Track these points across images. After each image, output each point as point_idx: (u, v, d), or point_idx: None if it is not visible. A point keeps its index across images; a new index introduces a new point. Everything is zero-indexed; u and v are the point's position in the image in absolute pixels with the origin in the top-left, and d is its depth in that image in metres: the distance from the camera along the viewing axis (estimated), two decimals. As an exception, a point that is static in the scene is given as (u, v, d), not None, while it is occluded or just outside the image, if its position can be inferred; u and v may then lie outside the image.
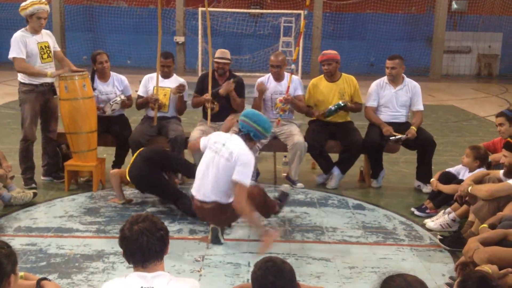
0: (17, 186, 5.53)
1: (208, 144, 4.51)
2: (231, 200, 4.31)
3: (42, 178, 6.20)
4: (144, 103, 6.32)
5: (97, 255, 4.30)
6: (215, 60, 6.22)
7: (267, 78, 6.38)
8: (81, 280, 3.88)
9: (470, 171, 5.19)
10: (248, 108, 4.78)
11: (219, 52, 6.25)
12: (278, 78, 6.28)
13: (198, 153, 6.13)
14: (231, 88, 6.11)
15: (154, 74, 6.33)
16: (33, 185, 5.90)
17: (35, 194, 5.52)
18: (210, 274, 4.02)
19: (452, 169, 5.45)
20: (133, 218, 2.57)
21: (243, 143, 4.34)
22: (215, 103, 6.19)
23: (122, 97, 6.23)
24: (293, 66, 6.40)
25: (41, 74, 5.76)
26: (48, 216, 5.14)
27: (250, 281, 3.82)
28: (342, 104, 6.11)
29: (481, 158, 5.21)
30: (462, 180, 5.00)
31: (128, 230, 2.51)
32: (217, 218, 4.51)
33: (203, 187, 4.41)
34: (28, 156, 5.93)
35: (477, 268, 3.18)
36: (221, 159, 4.30)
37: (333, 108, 6.10)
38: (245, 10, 19.03)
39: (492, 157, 5.36)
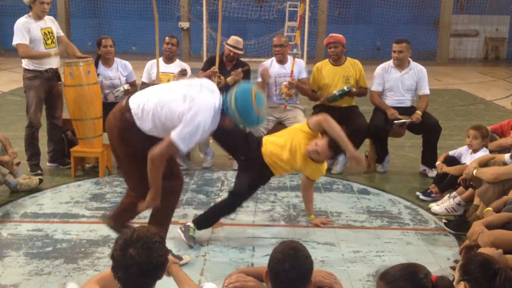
0: (23, 172, 5.56)
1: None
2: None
3: (48, 164, 6.23)
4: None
5: (103, 240, 4.33)
6: (228, 47, 6.23)
7: (270, 62, 6.37)
8: (87, 265, 3.91)
9: (476, 151, 5.16)
10: (246, 86, 3.52)
11: (234, 40, 6.26)
12: (282, 60, 6.26)
13: (204, 143, 6.20)
14: (239, 78, 6.12)
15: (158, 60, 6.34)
16: (39, 171, 5.93)
17: (41, 180, 5.55)
18: (214, 259, 4.04)
19: (453, 152, 5.43)
20: (127, 236, 2.26)
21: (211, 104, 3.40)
22: (221, 77, 6.20)
23: (126, 86, 6.22)
24: (295, 51, 6.38)
25: (45, 55, 5.77)
26: (54, 202, 5.18)
27: (254, 265, 3.85)
28: (347, 90, 6.08)
29: (487, 135, 5.21)
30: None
31: (121, 252, 2.23)
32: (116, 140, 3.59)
33: None
34: (34, 142, 5.96)
35: (479, 250, 3.19)
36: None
37: (337, 93, 6.08)
38: (250, -5, 18.92)
39: (498, 142, 5.33)
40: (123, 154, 3.62)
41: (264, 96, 3.57)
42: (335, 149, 4.18)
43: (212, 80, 6.20)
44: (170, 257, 2.51)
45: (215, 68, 6.18)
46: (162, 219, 3.79)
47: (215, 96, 3.45)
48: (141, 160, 3.40)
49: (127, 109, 3.49)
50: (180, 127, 3.30)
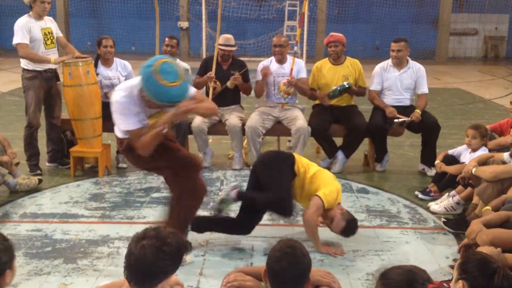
0: (22, 172, 5.56)
1: None
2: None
3: (47, 164, 6.23)
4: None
5: (102, 240, 4.33)
6: (220, 47, 6.22)
7: (269, 61, 6.36)
8: (86, 265, 3.91)
9: (475, 151, 5.16)
10: (150, 60, 3.50)
11: (224, 39, 6.24)
12: (281, 60, 6.24)
13: (202, 137, 6.20)
14: (239, 82, 6.13)
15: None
16: (38, 172, 5.93)
17: (40, 181, 5.55)
18: (214, 259, 4.05)
19: (452, 151, 5.43)
20: (149, 230, 2.35)
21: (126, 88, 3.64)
22: (217, 82, 6.20)
23: None
24: (296, 49, 6.35)
25: (45, 61, 5.76)
26: (54, 202, 5.18)
27: (253, 264, 3.86)
28: (347, 86, 6.07)
29: (486, 134, 5.21)
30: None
31: (136, 239, 2.31)
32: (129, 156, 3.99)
33: None
34: (33, 142, 5.96)
35: (477, 249, 3.19)
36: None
37: (338, 88, 6.06)
38: (249, -5, 18.90)
39: (497, 141, 5.33)
40: (153, 160, 3.84)
41: (177, 65, 3.52)
42: (346, 233, 4.19)
43: (208, 86, 6.21)
44: (174, 277, 2.48)
45: (212, 73, 6.16)
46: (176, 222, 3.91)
47: (130, 81, 3.74)
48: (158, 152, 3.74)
49: (121, 140, 3.87)
50: (115, 120, 3.68)
